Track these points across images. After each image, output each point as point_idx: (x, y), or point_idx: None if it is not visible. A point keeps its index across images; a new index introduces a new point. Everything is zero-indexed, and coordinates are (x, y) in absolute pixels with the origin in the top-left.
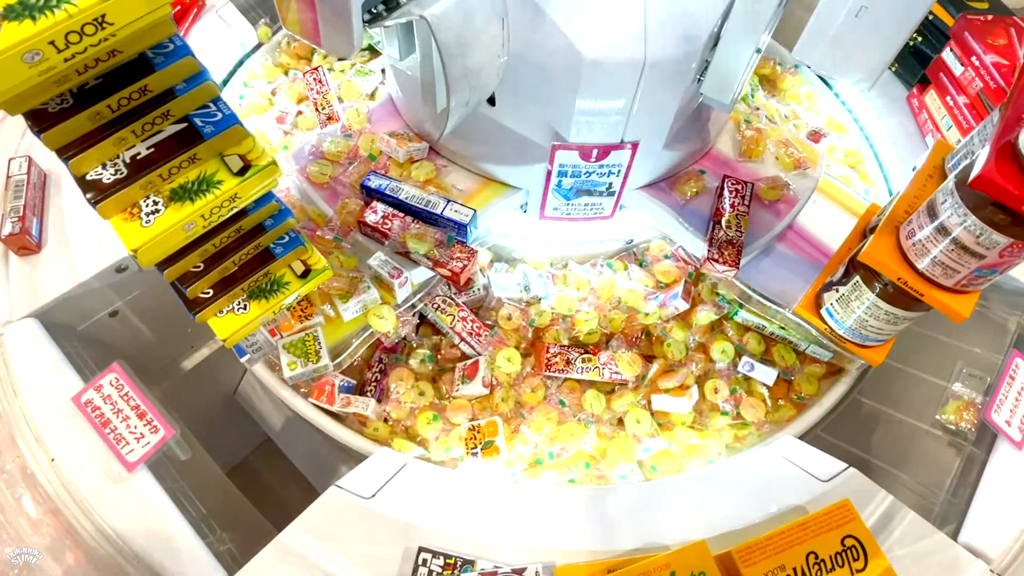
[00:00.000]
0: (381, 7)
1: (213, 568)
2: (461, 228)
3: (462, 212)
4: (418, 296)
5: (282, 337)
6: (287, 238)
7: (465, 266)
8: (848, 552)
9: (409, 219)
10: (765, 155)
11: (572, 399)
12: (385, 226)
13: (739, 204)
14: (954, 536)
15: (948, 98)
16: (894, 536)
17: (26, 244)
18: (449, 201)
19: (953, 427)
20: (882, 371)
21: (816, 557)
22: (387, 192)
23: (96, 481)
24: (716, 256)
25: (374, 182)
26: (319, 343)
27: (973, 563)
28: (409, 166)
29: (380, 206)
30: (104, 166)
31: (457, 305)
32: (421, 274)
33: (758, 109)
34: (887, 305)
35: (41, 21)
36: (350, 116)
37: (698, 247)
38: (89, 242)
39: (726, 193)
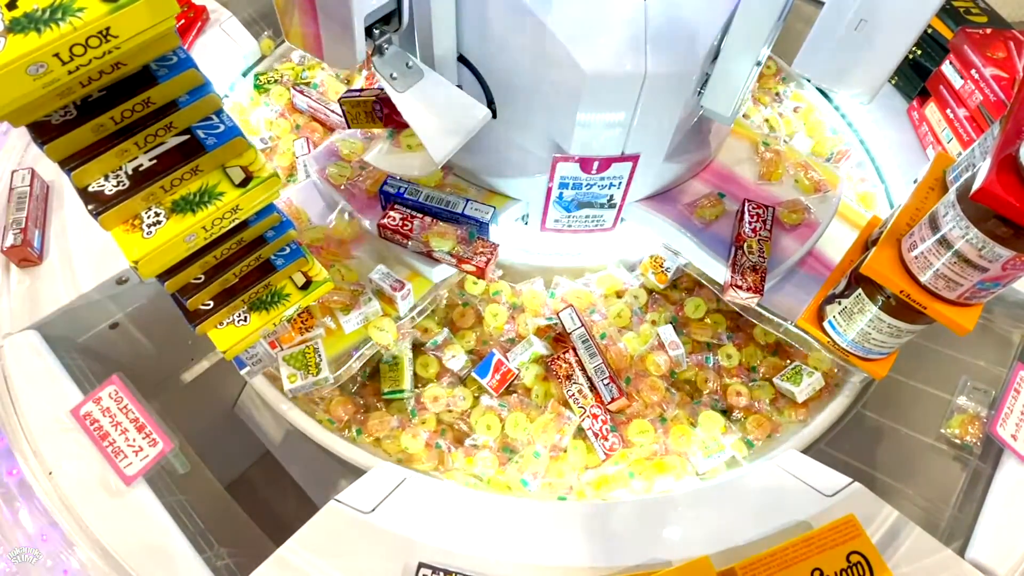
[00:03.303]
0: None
1: None
2: (482, 226)
3: (482, 210)
4: (418, 308)
5: (282, 349)
6: (288, 250)
7: (489, 260)
8: (854, 568)
9: (428, 219)
10: (784, 178)
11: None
12: (406, 227)
13: (761, 229)
14: (961, 552)
15: (948, 111)
16: (900, 552)
17: (27, 256)
18: (468, 200)
19: (958, 441)
20: (886, 384)
21: (821, 574)
22: (406, 195)
23: (94, 495)
24: (739, 283)
25: (392, 187)
26: (319, 355)
27: None
28: None
29: (399, 207)
30: (106, 178)
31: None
32: (443, 272)
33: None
34: (890, 318)
35: (46, 34)
36: None
37: (719, 272)
38: (90, 254)
39: (747, 217)
